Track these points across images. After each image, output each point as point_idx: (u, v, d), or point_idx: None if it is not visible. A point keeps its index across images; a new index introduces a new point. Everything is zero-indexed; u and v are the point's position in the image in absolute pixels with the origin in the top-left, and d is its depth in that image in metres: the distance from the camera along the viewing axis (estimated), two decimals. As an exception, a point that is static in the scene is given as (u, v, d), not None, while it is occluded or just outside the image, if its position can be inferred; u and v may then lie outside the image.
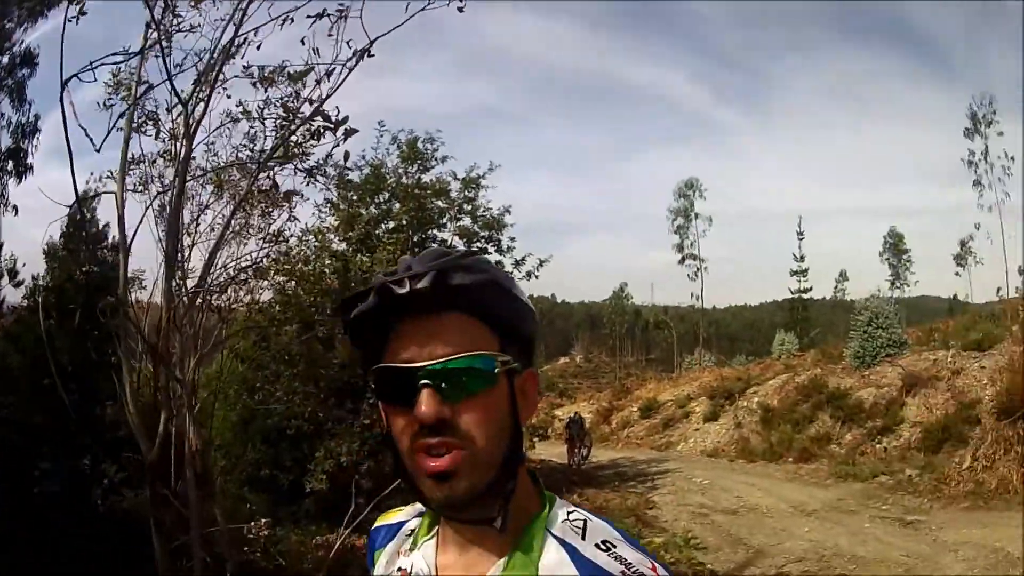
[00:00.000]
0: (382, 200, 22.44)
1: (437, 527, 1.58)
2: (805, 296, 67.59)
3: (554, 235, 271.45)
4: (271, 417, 20.78)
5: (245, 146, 11.49)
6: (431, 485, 1.38)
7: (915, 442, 20.60)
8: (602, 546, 1.46)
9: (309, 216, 20.20)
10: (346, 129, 9.78)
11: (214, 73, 9.85)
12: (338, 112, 9.91)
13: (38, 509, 13.91)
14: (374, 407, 18.84)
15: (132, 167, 10.70)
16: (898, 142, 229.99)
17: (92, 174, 10.39)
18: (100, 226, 16.57)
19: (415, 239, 21.78)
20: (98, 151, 8.87)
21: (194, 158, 11.29)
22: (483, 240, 22.79)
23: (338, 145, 11.78)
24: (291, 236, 16.04)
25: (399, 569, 1.60)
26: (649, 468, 24.55)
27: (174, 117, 10.29)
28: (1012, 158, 49.53)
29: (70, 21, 8.08)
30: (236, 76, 9.16)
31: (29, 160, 18.18)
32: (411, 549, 1.62)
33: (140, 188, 11.62)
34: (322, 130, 9.52)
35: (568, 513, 1.52)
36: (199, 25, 9.20)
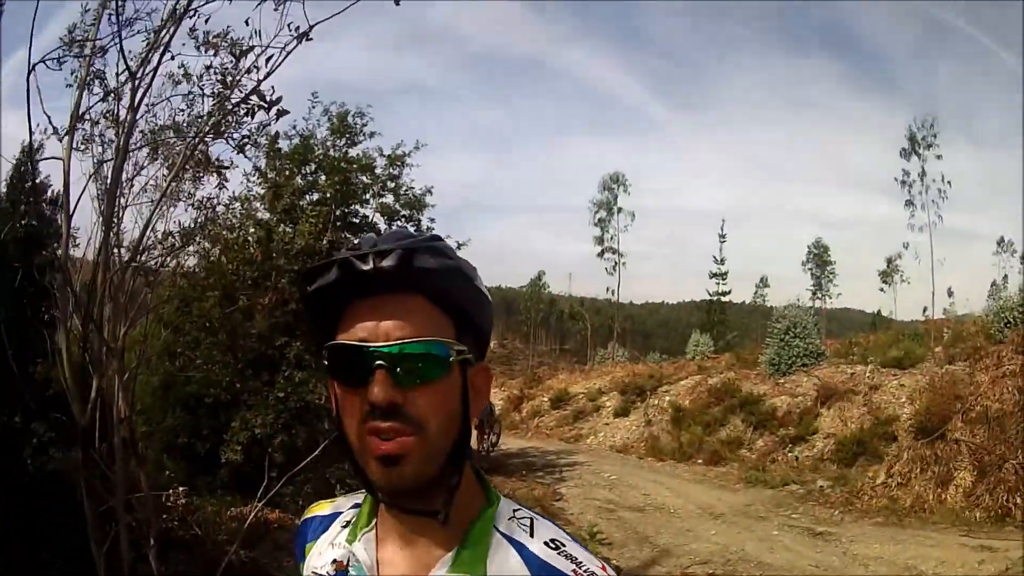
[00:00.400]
0: (308, 171, 22.35)
1: (376, 519, 1.54)
2: (724, 299, 67.84)
3: (476, 216, 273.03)
4: (190, 384, 20.35)
5: (182, 110, 11.57)
6: (378, 468, 1.34)
7: (828, 453, 20.90)
8: (551, 544, 1.46)
9: (238, 184, 20.05)
10: (278, 110, 9.82)
11: (163, 36, 9.79)
12: (273, 91, 9.94)
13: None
14: (289, 380, 19.31)
15: (78, 125, 10.66)
16: (831, 151, 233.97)
17: (38, 125, 10.08)
18: (40, 179, 17.05)
19: (338, 212, 21.83)
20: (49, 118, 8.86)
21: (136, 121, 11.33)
22: (403, 219, 22.66)
23: (269, 124, 11.88)
24: (219, 204, 15.99)
25: (333, 561, 1.54)
26: (558, 460, 24.64)
27: (120, 79, 10.21)
28: (949, 183, 49.94)
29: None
30: (182, 43, 9.15)
31: None
32: (348, 541, 1.55)
33: (82, 147, 11.61)
34: (256, 108, 9.52)
35: (514, 511, 1.52)
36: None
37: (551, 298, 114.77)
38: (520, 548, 1.43)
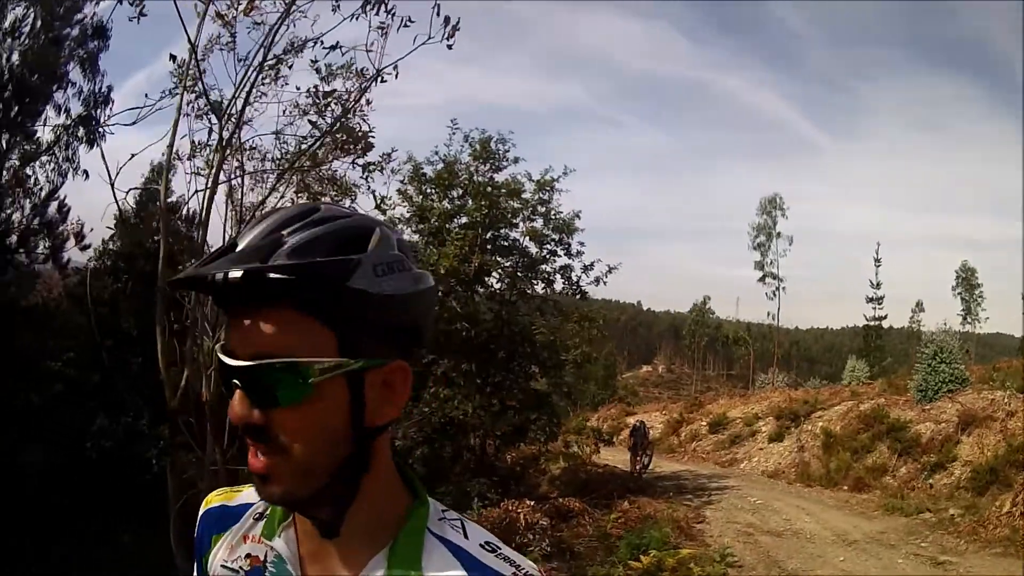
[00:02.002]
0: (455, 196, 22.72)
1: (292, 515, 1.45)
2: (881, 324, 66.31)
3: (635, 240, 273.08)
4: None
5: (304, 138, 12.40)
6: (255, 480, 1.31)
7: (964, 481, 20.30)
8: (487, 547, 1.41)
9: (370, 210, 20.72)
10: (364, 144, 10.54)
11: (283, 67, 10.51)
12: (360, 125, 10.78)
13: (92, 464, 14.56)
14: (435, 396, 20.18)
15: (201, 150, 11.46)
16: (977, 172, 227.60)
17: (169, 148, 10.82)
18: (174, 198, 17.79)
19: (488, 236, 22.31)
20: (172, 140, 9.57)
21: (259, 146, 12.02)
22: (553, 243, 23.01)
23: (393, 152, 12.62)
24: None
25: (247, 556, 1.48)
26: (708, 483, 24.52)
27: (240, 106, 10.92)
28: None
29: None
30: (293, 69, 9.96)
31: (101, 129, 18.40)
32: (265, 535, 1.47)
33: (204, 172, 12.24)
34: (343, 143, 10.28)
35: (443, 511, 1.46)
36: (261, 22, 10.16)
37: (717, 323, 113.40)
38: (456, 549, 1.38)
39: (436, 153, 23.26)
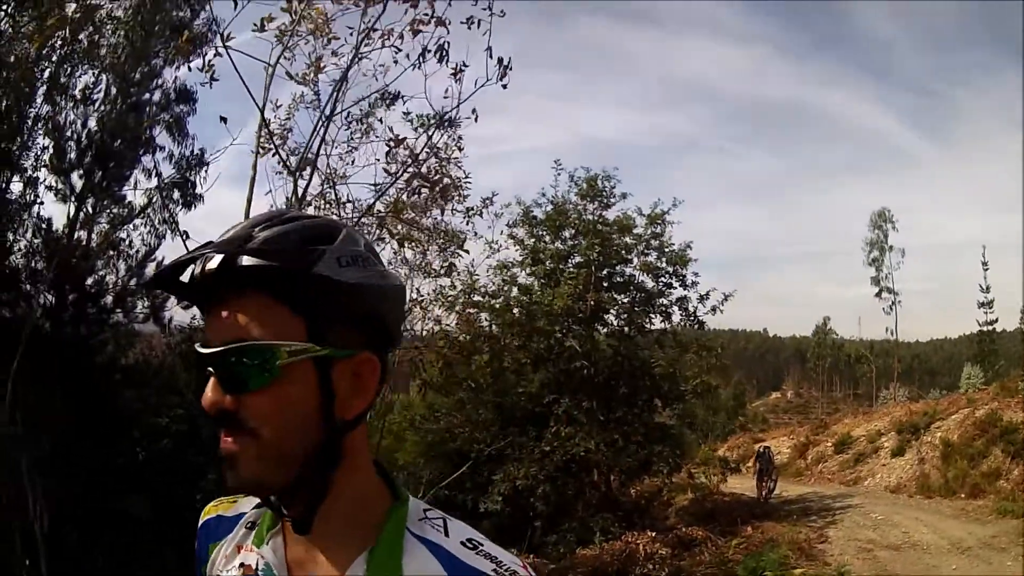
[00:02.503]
0: (567, 236, 23.17)
1: (281, 520, 1.53)
2: (993, 328, 64.97)
3: (756, 267, 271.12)
4: (455, 441, 21.88)
5: (401, 188, 12.83)
6: (225, 468, 1.38)
7: (1074, 480, 20.05)
8: (468, 544, 1.49)
9: (480, 253, 21.37)
10: (442, 187, 11.43)
11: (362, 124, 11.37)
12: (452, 171, 11.68)
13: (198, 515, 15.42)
14: (556, 435, 20.35)
15: (291, 206, 12.10)
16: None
17: (248, 204, 11.18)
18: None
19: (603, 273, 22.71)
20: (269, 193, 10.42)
21: (356, 199, 12.76)
22: (668, 275, 23.36)
23: (492, 196, 13.38)
24: (459, 271, 17.52)
25: (241, 565, 1.56)
26: (833, 503, 24.54)
27: (321, 159, 11.69)
28: None
29: (210, 67, 9.37)
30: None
31: (197, 190, 18.85)
32: (255, 544, 1.56)
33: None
34: (419, 187, 11.15)
35: (425, 511, 1.54)
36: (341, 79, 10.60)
37: (840, 343, 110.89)
38: (435, 548, 1.46)
39: (543, 194, 23.80)
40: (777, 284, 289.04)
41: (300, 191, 11.10)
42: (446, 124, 11.29)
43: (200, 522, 1.71)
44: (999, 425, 25.20)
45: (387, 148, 11.50)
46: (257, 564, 1.52)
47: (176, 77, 17.63)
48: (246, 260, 1.33)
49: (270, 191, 11.49)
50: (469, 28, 9.52)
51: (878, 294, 69.86)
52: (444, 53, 9.60)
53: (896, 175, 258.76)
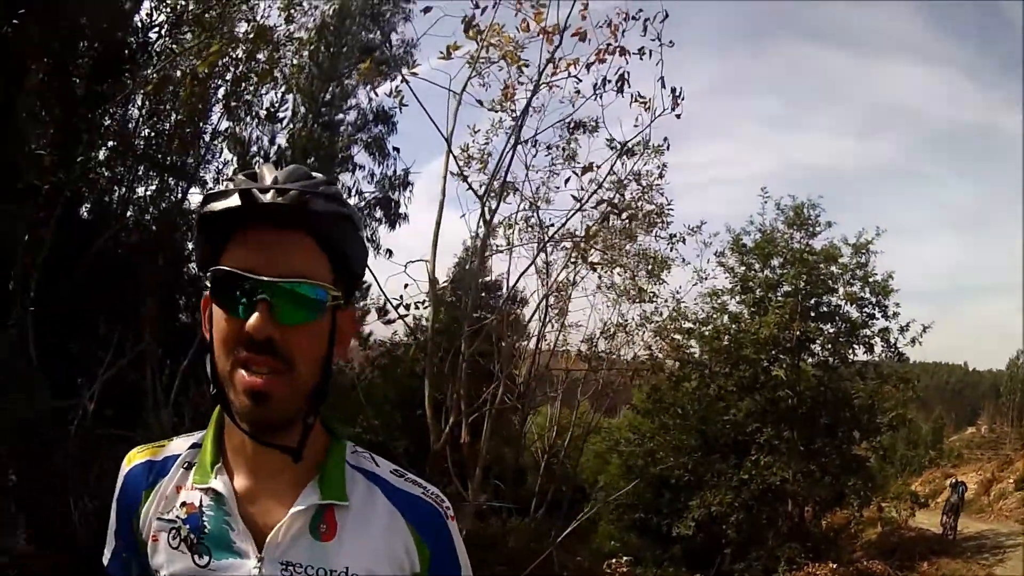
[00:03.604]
0: (776, 264, 23.54)
1: (222, 457, 1.69)
2: None
3: (958, 298, 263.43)
4: (655, 466, 22.49)
5: (604, 214, 13.78)
6: (246, 402, 1.51)
7: None
8: (396, 473, 1.76)
9: (687, 281, 21.90)
10: (628, 215, 11.99)
11: (564, 152, 12.13)
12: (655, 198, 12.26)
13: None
14: (755, 464, 20.71)
15: (495, 229, 13.01)
16: None
17: (437, 226, 11.60)
18: (494, 277, 19.08)
19: (807, 303, 23.05)
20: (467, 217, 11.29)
21: (553, 223, 13.46)
22: (871, 305, 23.41)
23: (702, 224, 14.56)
24: (664, 298, 18.22)
25: (183, 504, 1.66)
26: (1006, 541, 24.20)
27: (532, 187, 12.49)
28: None
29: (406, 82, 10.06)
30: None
31: (402, 210, 20.48)
32: (199, 481, 1.67)
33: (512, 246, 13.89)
34: (609, 215, 11.68)
35: (355, 447, 1.77)
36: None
37: None
38: (373, 477, 1.72)
39: (751, 223, 24.26)
40: (977, 316, 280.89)
41: (488, 214, 11.60)
42: (627, 152, 11.76)
43: (125, 470, 1.78)
44: None
45: (579, 174, 11.93)
46: (201, 501, 1.64)
47: (371, 98, 18.63)
48: (321, 204, 1.53)
49: (464, 215, 12.21)
50: (641, 59, 9.86)
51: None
52: (625, 83, 10.03)
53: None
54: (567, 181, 12.72)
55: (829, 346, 23.71)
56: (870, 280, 23.52)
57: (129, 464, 1.78)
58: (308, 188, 1.53)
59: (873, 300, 23.58)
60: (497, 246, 14.71)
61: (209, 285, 1.57)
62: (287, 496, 1.63)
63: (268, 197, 1.49)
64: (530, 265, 13.85)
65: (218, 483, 1.63)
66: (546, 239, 13.78)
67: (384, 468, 1.76)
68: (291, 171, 1.59)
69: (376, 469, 1.75)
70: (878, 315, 23.63)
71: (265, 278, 1.49)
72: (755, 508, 21.56)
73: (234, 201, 1.50)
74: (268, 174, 1.56)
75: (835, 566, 18.37)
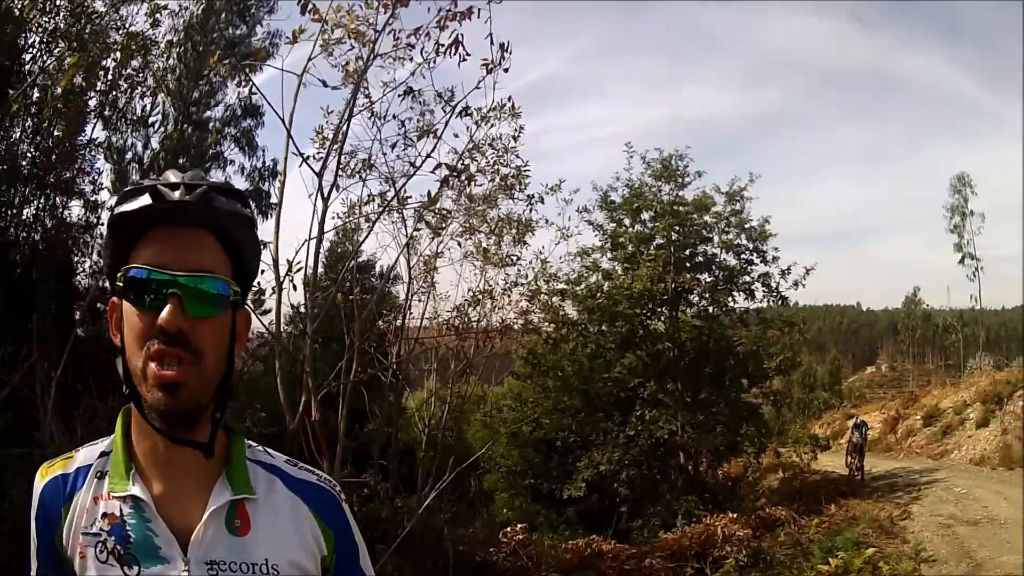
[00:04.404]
0: (646, 219, 23.54)
1: (133, 465, 1.68)
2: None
3: (850, 240, 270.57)
4: (538, 430, 22.41)
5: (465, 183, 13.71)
6: (158, 393, 1.53)
7: None
8: (291, 463, 1.83)
9: (551, 240, 21.71)
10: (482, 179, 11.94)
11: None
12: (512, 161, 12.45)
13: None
14: (641, 419, 20.68)
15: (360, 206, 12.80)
16: None
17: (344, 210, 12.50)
18: (364, 257, 19.26)
19: (686, 253, 23.21)
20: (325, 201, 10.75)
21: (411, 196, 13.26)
22: (748, 251, 23.59)
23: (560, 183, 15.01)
24: (527, 260, 17.93)
25: (104, 516, 1.64)
26: (919, 478, 24.49)
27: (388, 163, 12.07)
28: None
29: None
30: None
31: (272, 200, 20.51)
32: (115, 489, 1.66)
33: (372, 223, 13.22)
34: (448, 179, 11.55)
35: (249, 443, 1.81)
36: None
37: (926, 314, 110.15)
38: (271, 468, 1.77)
39: (617, 179, 24.20)
40: (869, 256, 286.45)
41: (325, 189, 11.02)
42: (462, 113, 11.55)
43: (38, 488, 1.75)
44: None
45: (414, 141, 11.77)
46: (121, 510, 1.64)
47: (239, 92, 18.55)
48: (224, 203, 1.62)
49: (311, 195, 11.41)
50: (470, 19, 9.59)
51: (961, 261, 69.35)
52: (458, 45, 9.74)
53: (979, 138, 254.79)
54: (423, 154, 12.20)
55: (707, 295, 23.83)
56: (746, 227, 23.63)
57: (42, 480, 1.75)
58: (215, 185, 1.61)
59: (750, 246, 23.76)
60: (355, 223, 14.80)
61: (120, 285, 1.59)
62: (199, 495, 1.65)
63: (177, 195, 1.56)
64: (393, 240, 14.38)
65: (137, 489, 1.63)
66: (395, 210, 13.44)
67: (279, 459, 1.83)
68: (194, 173, 1.63)
69: (272, 460, 1.81)
70: (757, 261, 23.79)
71: (175, 273, 1.55)
72: (645, 464, 21.56)
73: (145, 200, 1.57)
74: (173, 176, 1.60)
75: (735, 515, 18.14)
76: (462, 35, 9.71)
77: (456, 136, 12.12)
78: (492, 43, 9.87)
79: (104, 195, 16.46)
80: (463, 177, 12.63)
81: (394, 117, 11.62)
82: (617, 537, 18.42)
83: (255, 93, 11.23)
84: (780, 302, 24.28)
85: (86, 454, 1.76)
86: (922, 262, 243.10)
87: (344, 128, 10.96)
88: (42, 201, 15.57)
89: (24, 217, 15.37)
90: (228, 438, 1.76)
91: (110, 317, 1.68)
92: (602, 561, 15.75)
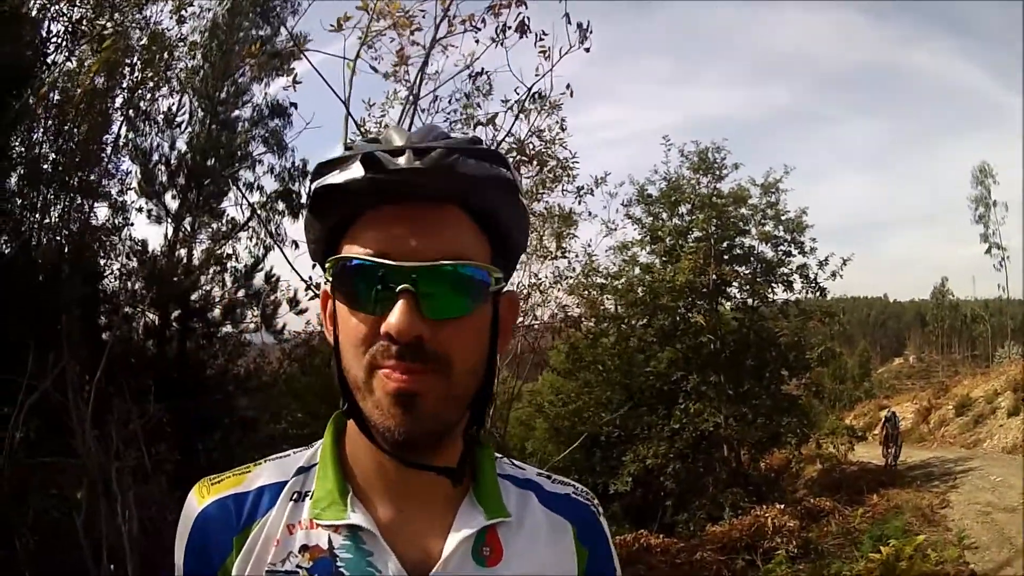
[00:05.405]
0: (684, 212, 23.50)
1: (349, 486, 1.35)
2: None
3: (871, 235, 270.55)
4: (583, 425, 22.30)
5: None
6: (389, 408, 1.20)
7: None
8: (543, 475, 1.52)
9: (597, 234, 21.71)
10: (539, 165, 12.02)
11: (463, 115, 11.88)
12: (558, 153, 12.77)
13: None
14: (685, 412, 20.76)
15: None
16: None
17: None
18: None
19: (720, 247, 23.08)
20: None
21: None
22: (786, 243, 23.56)
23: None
24: (576, 253, 18.13)
25: (302, 549, 1.30)
26: (955, 468, 24.43)
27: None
28: None
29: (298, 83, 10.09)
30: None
31: (302, 200, 19.38)
32: (320, 517, 1.32)
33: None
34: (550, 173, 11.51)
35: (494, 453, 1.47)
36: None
37: (954, 304, 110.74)
38: (524, 483, 1.46)
39: (655, 172, 24.16)
40: (893, 249, 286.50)
41: None
42: (536, 98, 11.23)
43: (194, 512, 1.38)
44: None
45: (484, 124, 11.38)
46: (331, 542, 1.30)
47: (267, 93, 18.54)
48: (472, 166, 1.22)
49: None
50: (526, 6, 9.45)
51: (988, 251, 69.20)
52: (526, 28, 9.55)
53: (993, 130, 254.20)
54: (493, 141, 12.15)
55: (747, 287, 23.77)
56: (782, 218, 23.60)
57: (201, 503, 1.38)
58: (453, 145, 1.23)
59: (788, 238, 23.68)
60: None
61: (330, 278, 1.28)
62: (439, 521, 1.34)
63: (402, 161, 1.19)
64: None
65: (358, 517, 1.30)
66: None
67: (530, 471, 1.53)
68: (427, 129, 1.29)
69: (524, 474, 1.51)
70: (794, 252, 23.79)
71: (406, 264, 1.20)
72: (691, 457, 21.66)
73: (357, 171, 1.21)
74: (397, 135, 1.25)
75: (782, 507, 18.09)
76: (528, 17, 9.56)
77: (517, 119, 11.61)
78: (568, 22, 9.47)
79: (131, 196, 16.35)
80: (531, 168, 12.73)
81: (446, 111, 11.74)
82: (663, 531, 18.48)
83: (288, 87, 10.45)
84: (819, 293, 24.16)
85: (273, 469, 1.42)
86: (940, 255, 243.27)
87: (410, 112, 10.69)
88: (67, 204, 15.28)
89: (48, 220, 15.08)
90: (471, 449, 1.36)
91: (323, 307, 1.39)
92: (651, 555, 15.73)
